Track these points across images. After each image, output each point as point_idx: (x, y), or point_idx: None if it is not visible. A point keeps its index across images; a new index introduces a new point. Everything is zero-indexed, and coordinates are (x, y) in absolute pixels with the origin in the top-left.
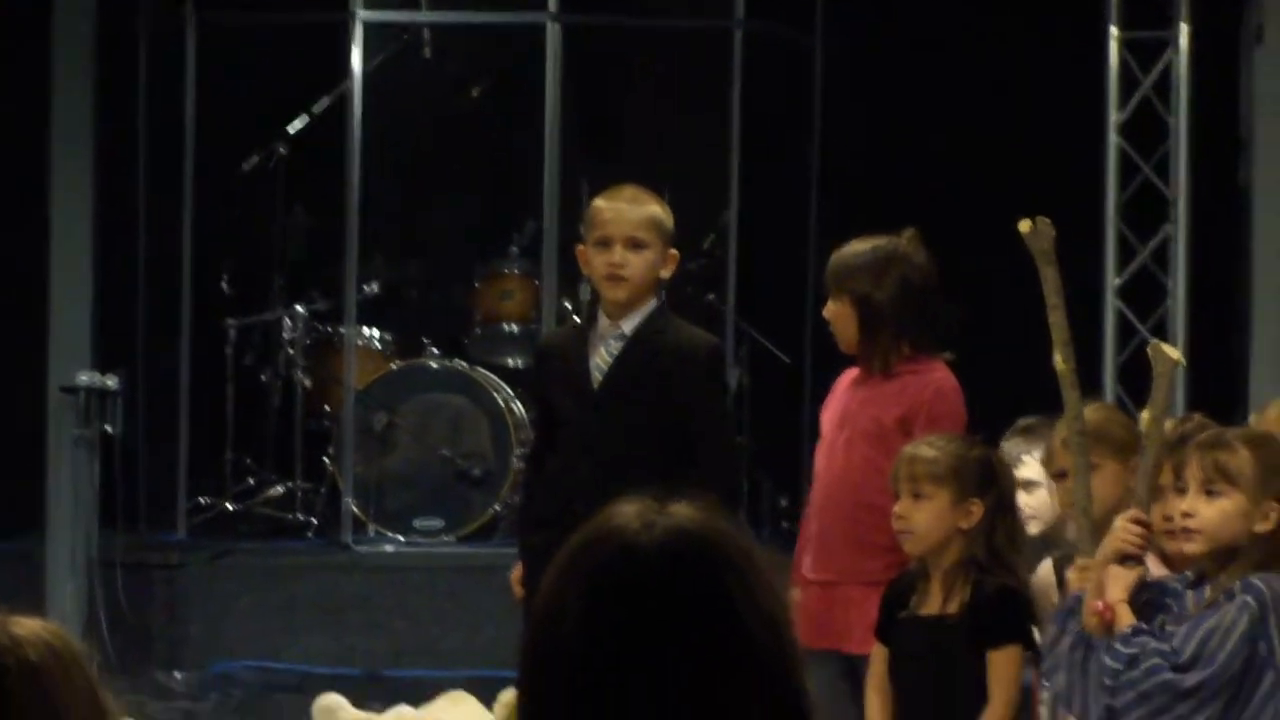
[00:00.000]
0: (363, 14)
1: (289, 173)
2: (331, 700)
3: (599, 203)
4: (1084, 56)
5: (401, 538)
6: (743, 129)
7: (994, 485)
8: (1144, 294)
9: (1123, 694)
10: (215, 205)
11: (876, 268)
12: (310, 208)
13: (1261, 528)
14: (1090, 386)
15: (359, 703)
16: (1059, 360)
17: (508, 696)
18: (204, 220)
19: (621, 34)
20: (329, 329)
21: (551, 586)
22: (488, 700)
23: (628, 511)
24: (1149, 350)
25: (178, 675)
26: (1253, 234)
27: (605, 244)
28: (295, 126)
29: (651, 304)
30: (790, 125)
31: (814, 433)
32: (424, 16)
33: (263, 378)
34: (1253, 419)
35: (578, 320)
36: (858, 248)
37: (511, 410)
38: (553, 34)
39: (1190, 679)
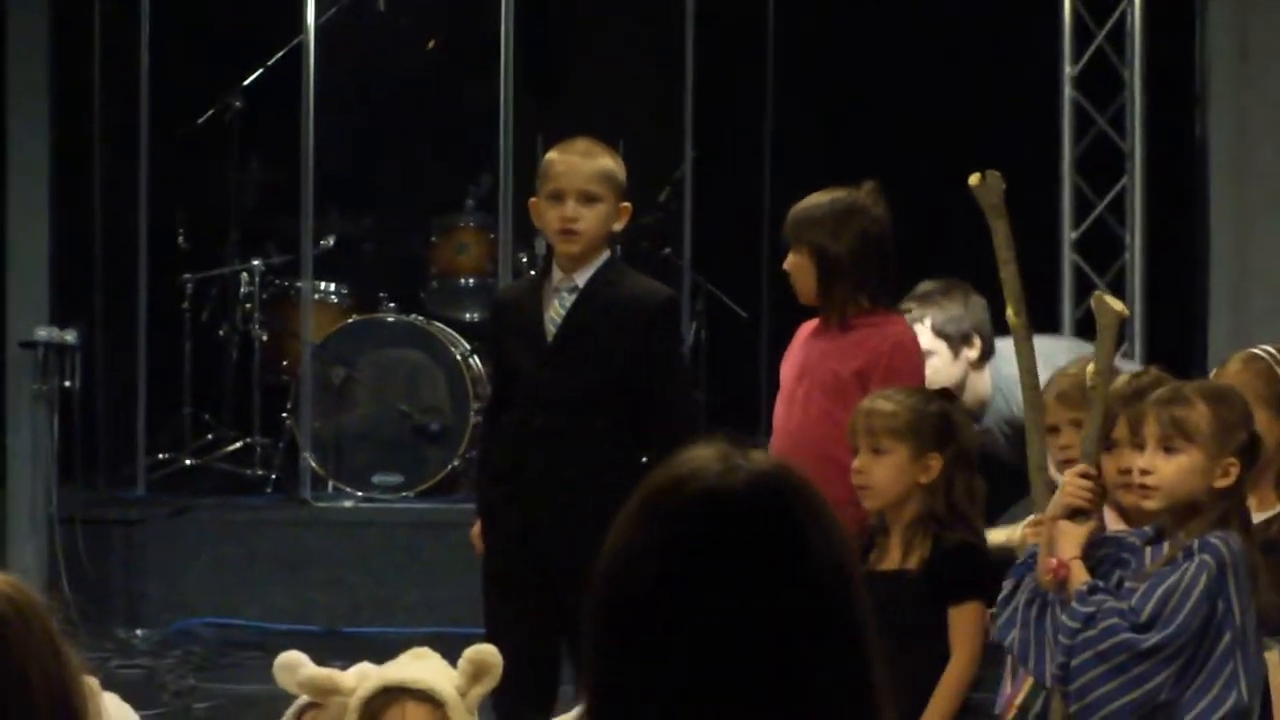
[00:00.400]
0: None
1: (244, 126)
2: (292, 658)
3: (551, 156)
4: (1038, 9)
5: (360, 493)
6: (696, 81)
7: (953, 439)
8: (1101, 247)
9: (1079, 653)
10: (170, 159)
11: (835, 220)
12: (265, 162)
13: (1221, 484)
14: None
15: (320, 660)
16: (1011, 314)
17: (472, 652)
18: (159, 175)
19: None
20: (285, 283)
21: (623, 535)
22: (451, 657)
23: (703, 456)
24: (1092, 303)
25: (139, 633)
26: (1209, 186)
27: (558, 197)
28: (250, 80)
29: (604, 256)
30: (744, 77)
31: (772, 386)
32: None
33: (220, 332)
34: (1213, 374)
35: (534, 274)
36: (817, 199)
37: (469, 365)
38: None
39: (1150, 639)
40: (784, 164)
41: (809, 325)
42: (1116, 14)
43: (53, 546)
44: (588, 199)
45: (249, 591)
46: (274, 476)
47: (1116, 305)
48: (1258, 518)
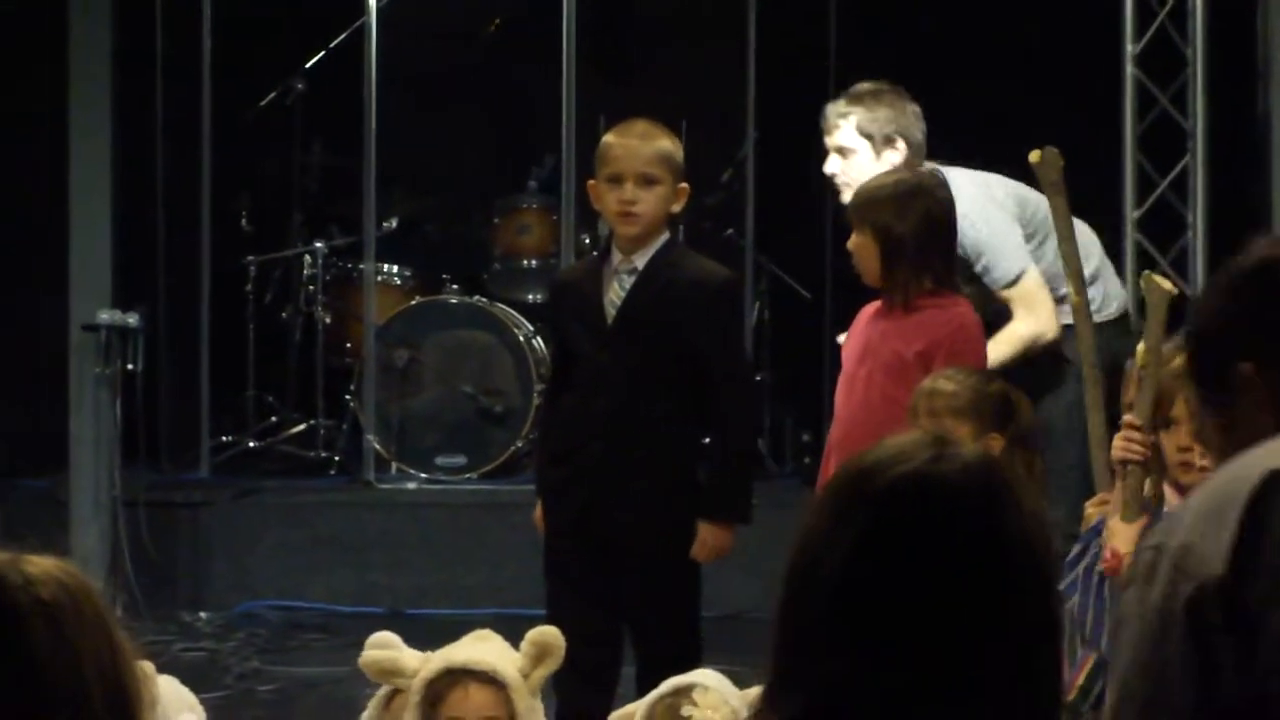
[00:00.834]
0: None
1: (306, 109)
2: (383, 638)
3: (609, 139)
4: None
5: (424, 475)
6: (759, 61)
7: (1013, 419)
8: (1163, 226)
9: None
10: (233, 142)
11: (900, 200)
12: (328, 144)
13: None
14: None
15: None
16: (1071, 293)
17: (535, 634)
18: (222, 157)
19: None
20: (348, 265)
21: (819, 517)
22: (513, 639)
23: (906, 444)
24: (1141, 282)
25: (203, 616)
26: (1272, 163)
27: (616, 180)
28: (312, 62)
29: (664, 238)
30: (808, 56)
31: (835, 367)
32: None
33: (283, 315)
34: None
35: (594, 255)
36: (882, 180)
37: (533, 346)
38: None
39: None
40: None
41: (871, 306)
42: None
43: (116, 530)
44: (646, 181)
45: (312, 574)
46: (337, 459)
47: (1165, 284)
48: None
